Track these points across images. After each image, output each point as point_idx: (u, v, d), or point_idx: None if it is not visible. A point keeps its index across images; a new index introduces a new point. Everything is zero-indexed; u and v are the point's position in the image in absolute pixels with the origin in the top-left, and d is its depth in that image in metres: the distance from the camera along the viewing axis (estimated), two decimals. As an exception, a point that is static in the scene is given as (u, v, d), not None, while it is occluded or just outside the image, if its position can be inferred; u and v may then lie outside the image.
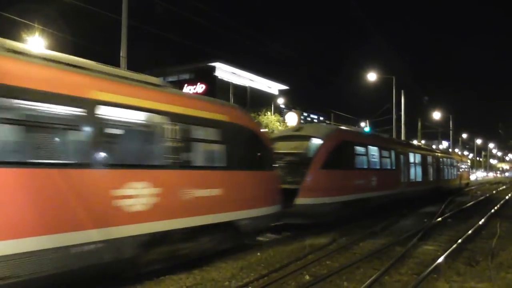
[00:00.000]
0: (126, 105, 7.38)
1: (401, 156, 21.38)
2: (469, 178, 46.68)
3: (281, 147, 14.39)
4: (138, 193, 7.18)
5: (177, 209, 7.98)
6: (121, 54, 15.96)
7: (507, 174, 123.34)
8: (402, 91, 35.82)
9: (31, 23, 17.15)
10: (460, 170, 37.72)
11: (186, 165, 8.45)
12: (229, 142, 9.44)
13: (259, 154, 10.65)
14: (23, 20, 16.43)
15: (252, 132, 10.58)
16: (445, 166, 31.09)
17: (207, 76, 57.55)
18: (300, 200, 13.00)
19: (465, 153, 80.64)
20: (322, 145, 14.44)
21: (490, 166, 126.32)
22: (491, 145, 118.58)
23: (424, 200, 24.32)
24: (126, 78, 8.02)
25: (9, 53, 6.33)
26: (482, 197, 30.88)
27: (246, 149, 10.03)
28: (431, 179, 27.01)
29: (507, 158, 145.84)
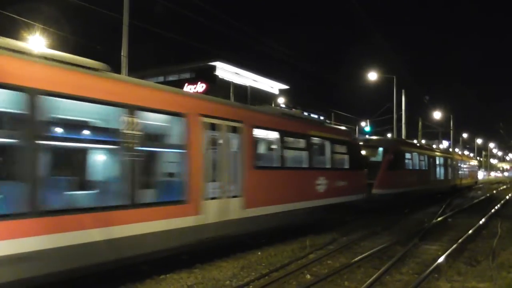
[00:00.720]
0: (322, 137, 13.99)
1: (431, 159, 27.59)
2: (477, 177, 55.77)
3: None
4: (321, 183, 13.14)
5: (333, 192, 13.75)
6: (122, 53, 15.93)
7: (506, 174, 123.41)
8: (403, 91, 35.79)
9: (32, 22, 17.11)
10: (472, 170, 46.42)
11: (336, 168, 14.53)
12: (347, 153, 15.35)
13: (358, 160, 16.42)
14: (23, 19, 16.41)
15: (356, 146, 16.90)
16: (460, 167, 38.41)
17: (208, 76, 57.46)
18: (374, 191, 18.61)
19: (466, 152, 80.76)
20: (386, 153, 20.72)
21: (491, 166, 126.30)
22: (491, 145, 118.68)
23: (425, 199, 24.37)
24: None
25: None
26: (482, 197, 30.90)
27: (353, 157, 15.70)
28: (450, 178, 33.33)
29: (507, 158, 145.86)
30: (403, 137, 35.29)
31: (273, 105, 51.40)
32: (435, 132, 60.63)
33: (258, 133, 10.83)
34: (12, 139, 6.16)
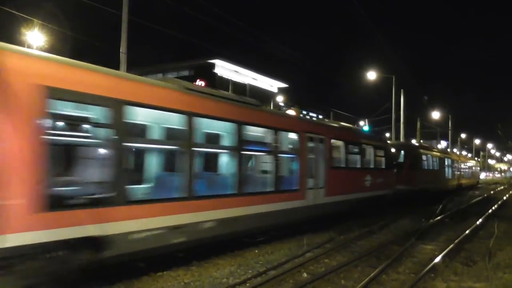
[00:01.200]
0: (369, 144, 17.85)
1: (442, 161, 31.54)
2: (479, 177, 61.61)
3: None
4: (368, 179, 16.91)
5: (374, 187, 17.44)
6: (121, 50, 15.90)
7: (503, 174, 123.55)
8: (402, 90, 35.81)
9: (31, 18, 17.07)
10: (475, 171, 51.94)
11: (377, 168, 18.29)
12: (384, 156, 19.16)
13: (390, 161, 20.06)
14: (22, 15, 16.37)
15: (389, 150, 20.67)
16: (466, 168, 44.27)
17: (207, 73, 57.41)
18: (398, 187, 21.22)
19: (464, 153, 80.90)
20: (408, 155, 24.88)
21: (489, 167, 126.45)
22: (489, 146, 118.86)
23: (423, 199, 24.39)
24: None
25: None
26: (479, 198, 30.96)
27: (387, 159, 19.51)
28: (457, 177, 37.64)
29: (505, 159, 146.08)
30: (401, 137, 35.35)
31: (271, 104, 51.37)
32: (434, 132, 60.71)
33: (333, 142, 14.61)
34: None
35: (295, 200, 12.12)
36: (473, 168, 51.05)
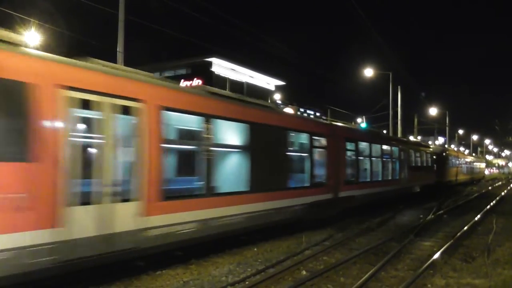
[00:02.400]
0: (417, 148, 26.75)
1: (457, 160, 39.90)
2: (484, 173, 72.19)
3: None
4: (422, 173, 26.79)
5: (426, 179, 27.11)
6: (118, 49, 15.84)
7: (498, 170, 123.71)
8: (399, 87, 35.85)
9: (27, 18, 16.99)
10: (481, 168, 64.36)
11: (428, 166, 28.16)
12: (430, 157, 28.93)
13: (432, 161, 29.42)
14: (18, 15, 16.29)
15: (431, 153, 29.85)
16: (475, 165, 55.04)
17: (204, 71, 57.29)
18: (436, 179, 30.18)
19: (461, 149, 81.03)
20: (440, 156, 33.01)
21: (486, 162, 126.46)
22: (487, 141, 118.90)
23: (421, 196, 24.47)
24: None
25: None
26: (477, 194, 31.04)
27: (431, 159, 29.22)
28: (470, 173, 48.79)
29: (502, 154, 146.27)
30: (399, 133, 35.44)
31: (269, 101, 51.28)
32: (431, 129, 60.73)
33: (412, 152, 24.76)
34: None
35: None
36: (481, 165, 64.36)
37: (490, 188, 40.27)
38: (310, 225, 13.16)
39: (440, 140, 77.47)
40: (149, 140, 7.73)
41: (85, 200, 6.66)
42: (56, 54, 6.92)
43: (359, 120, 47.64)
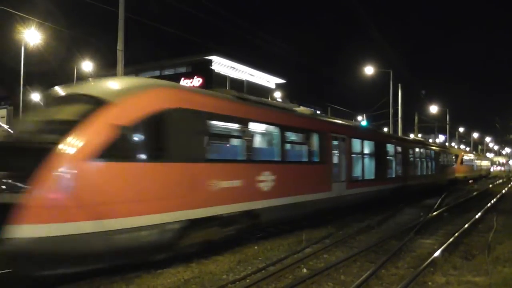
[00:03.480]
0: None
1: (470, 160, 49.04)
2: (490, 170, 78.84)
3: None
4: (443, 171, 32.49)
5: (448, 174, 34.60)
6: (117, 47, 15.85)
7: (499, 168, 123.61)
8: (400, 85, 35.85)
9: (27, 16, 16.98)
10: (488, 165, 73.22)
11: (447, 164, 33.79)
12: (446, 157, 34.28)
13: (451, 160, 37.47)
14: (19, 13, 16.29)
15: (449, 153, 37.04)
16: (483, 163, 64.52)
17: (204, 70, 57.30)
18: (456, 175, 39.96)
19: (462, 146, 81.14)
20: (457, 156, 42.69)
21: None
22: (487, 139, 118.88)
23: (422, 193, 24.50)
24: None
25: None
26: (478, 192, 31.05)
27: (451, 158, 37.30)
28: (479, 170, 56.97)
29: (503, 152, 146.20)
30: (399, 131, 35.44)
31: (269, 99, 51.23)
32: (431, 127, 60.72)
33: (441, 154, 31.30)
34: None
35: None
36: (487, 163, 74.12)
37: (490, 186, 40.27)
38: (310, 223, 13.17)
39: (441, 138, 77.46)
40: (346, 153, 15.43)
41: (336, 180, 14.54)
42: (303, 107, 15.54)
43: (359, 118, 47.65)
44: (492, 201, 22.28)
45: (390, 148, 20.31)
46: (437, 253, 9.49)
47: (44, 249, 6.25)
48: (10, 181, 6.35)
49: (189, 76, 57.60)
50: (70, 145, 6.67)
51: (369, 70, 34.60)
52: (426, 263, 8.66)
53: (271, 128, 11.78)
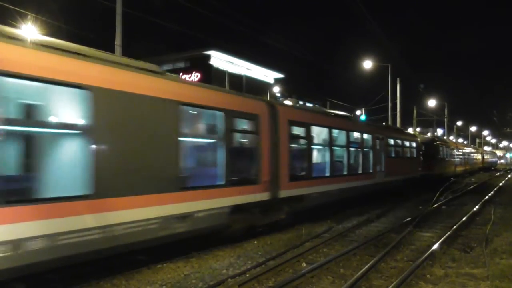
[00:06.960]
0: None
1: (484, 153, 64.36)
2: (497, 164, 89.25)
3: None
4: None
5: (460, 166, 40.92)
6: (115, 43, 15.79)
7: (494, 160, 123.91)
8: (398, 79, 35.81)
9: (23, 11, 16.90)
10: (493, 158, 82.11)
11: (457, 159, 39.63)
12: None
13: (452, 154, 39.29)
14: (15, 8, 16.21)
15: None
16: (493, 156, 78.41)
17: (202, 65, 57.02)
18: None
19: (460, 140, 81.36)
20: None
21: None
22: (485, 132, 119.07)
23: (421, 187, 24.56)
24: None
25: None
26: (475, 184, 31.14)
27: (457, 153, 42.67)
28: (486, 162, 66.23)
29: (500, 145, 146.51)
30: (398, 125, 35.44)
31: (268, 95, 51.24)
32: (430, 120, 60.70)
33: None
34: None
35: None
36: (493, 157, 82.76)
37: (488, 179, 40.38)
38: (310, 217, 13.21)
39: (439, 131, 77.51)
40: (384, 150, 19.23)
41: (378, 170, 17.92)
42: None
43: (358, 112, 47.62)
44: (490, 194, 22.39)
45: (414, 145, 25.14)
46: (435, 246, 9.58)
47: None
48: None
49: (188, 71, 57.40)
50: None
51: (367, 64, 34.53)
52: (425, 255, 8.73)
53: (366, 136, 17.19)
